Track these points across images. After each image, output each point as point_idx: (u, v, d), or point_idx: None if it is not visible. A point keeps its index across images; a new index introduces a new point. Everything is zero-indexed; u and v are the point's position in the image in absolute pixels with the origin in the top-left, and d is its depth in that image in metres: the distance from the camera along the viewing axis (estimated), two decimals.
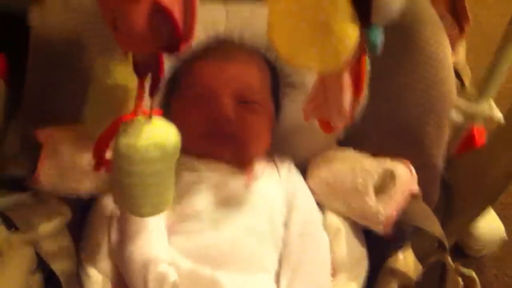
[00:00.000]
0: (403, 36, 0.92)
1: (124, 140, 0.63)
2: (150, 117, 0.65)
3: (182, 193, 0.84)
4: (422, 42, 0.91)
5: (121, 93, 0.74)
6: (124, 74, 0.73)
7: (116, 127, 0.67)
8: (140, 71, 0.66)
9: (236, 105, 0.88)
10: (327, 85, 0.72)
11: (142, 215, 0.70)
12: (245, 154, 0.90)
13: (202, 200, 0.83)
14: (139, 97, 0.67)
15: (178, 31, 0.57)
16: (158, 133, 0.64)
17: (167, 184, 0.69)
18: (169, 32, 0.58)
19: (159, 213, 0.70)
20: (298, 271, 0.82)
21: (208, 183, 0.85)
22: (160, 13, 0.57)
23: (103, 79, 0.74)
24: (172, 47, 0.59)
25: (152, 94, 0.64)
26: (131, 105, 0.69)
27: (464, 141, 1.00)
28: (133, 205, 0.68)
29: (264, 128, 0.92)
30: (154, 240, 0.79)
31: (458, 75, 1.21)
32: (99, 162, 0.72)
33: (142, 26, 0.57)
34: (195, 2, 0.60)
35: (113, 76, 0.74)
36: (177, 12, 0.58)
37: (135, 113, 0.66)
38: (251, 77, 0.92)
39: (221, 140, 0.87)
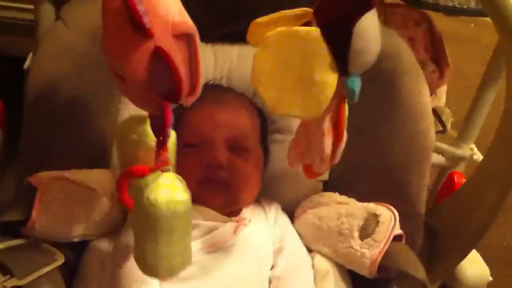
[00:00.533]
0: (386, 88, 0.95)
1: (141, 192, 0.63)
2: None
3: None
4: (404, 95, 0.95)
5: (146, 148, 0.75)
6: (149, 132, 0.73)
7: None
8: (155, 128, 0.67)
9: (228, 151, 0.90)
10: (309, 131, 0.75)
11: (156, 276, 0.68)
12: (236, 200, 0.91)
13: (192, 247, 0.84)
14: (158, 154, 0.66)
15: (179, 76, 0.59)
16: (176, 191, 0.64)
17: (182, 243, 0.67)
18: (171, 79, 0.59)
19: (174, 274, 0.67)
20: None
21: (197, 230, 0.85)
22: (161, 61, 0.59)
23: (129, 134, 0.76)
24: (175, 95, 0.60)
25: (162, 147, 0.65)
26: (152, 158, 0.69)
27: (443, 186, 1.02)
28: (148, 265, 0.66)
29: (255, 174, 0.94)
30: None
31: (439, 118, 1.25)
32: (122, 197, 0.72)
33: (143, 75, 0.59)
34: (198, 53, 0.63)
35: (138, 131, 0.75)
36: (179, 61, 0.60)
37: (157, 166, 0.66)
38: (242, 124, 0.94)
39: (214, 187, 0.88)
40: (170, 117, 0.62)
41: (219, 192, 0.89)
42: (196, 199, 0.85)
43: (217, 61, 1.05)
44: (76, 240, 0.86)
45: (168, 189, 0.63)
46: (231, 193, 0.90)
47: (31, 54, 1.01)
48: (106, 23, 0.63)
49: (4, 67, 1.30)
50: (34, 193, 0.81)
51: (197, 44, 0.63)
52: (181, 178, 0.66)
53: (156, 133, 0.67)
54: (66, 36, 0.93)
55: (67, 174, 0.84)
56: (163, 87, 0.61)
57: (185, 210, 0.64)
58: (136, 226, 0.66)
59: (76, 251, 0.87)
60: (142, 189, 0.63)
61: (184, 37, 0.62)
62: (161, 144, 0.64)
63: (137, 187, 0.65)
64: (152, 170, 0.65)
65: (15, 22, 1.77)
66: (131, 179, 0.69)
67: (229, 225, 0.87)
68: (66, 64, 0.91)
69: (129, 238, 0.80)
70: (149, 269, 0.66)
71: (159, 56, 0.59)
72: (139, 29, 0.58)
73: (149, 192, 0.62)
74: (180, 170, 0.86)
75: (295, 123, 0.83)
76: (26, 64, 1.14)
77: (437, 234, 0.96)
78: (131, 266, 0.78)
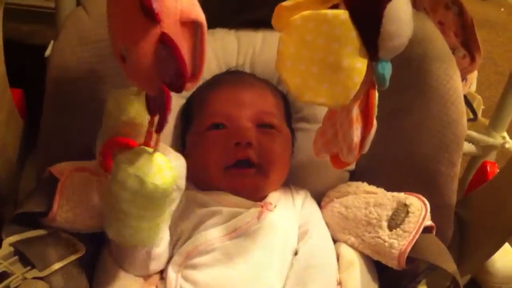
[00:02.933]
0: (416, 75, 0.93)
1: (119, 160, 0.65)
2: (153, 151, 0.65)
3: (195, 228, 0.84)
4: (435, 81, 0.92)
5: (134, 129, 0.75)
6: (138, 111, 0.74)
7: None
8: (151, 108, 0.67)
9: (256, 129, 0.88)
10: (336, 120, 0.72)
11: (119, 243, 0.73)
12: (267, 183, 0.90)
13: (215, 234, 0.83)
14: (149, 133, 0.68)
15: (183, 67, 0.58)
16: (150, 170, 0.64)
17: (149, 223, 0.69)
18: (175, 69, 0.58)
19: (133, 244, 0.73)
20: None
21: (219, 216, 0.84)
22: (167, 49, 0.58)
23: (118, 115, 0.75)
24: (177, 84, 0.60)
25: (158, 131, 0.64)
26: (136, 136, 0.71)
27: (475, 175, 1.00)
28: (113, 229, 0.71)
29: (284, 154, 0.93)
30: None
31: (470, 105, 1.22)
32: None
33: (148, 60, 0.59)
34: (205, 42, 0.61)
35: (127, 112, 0.74)
36: (185, 49, 0.59)
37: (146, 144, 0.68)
38: (267, 101, 0.93)
39: (244, 171, 0.87)
40: (171, 103, 0.62)
41: (249, 177, 0.87)
42: (225, 186, 0.86)
43: (241, 47, 1.03)
44: (97, 231, 0.84)
45: (167, 171, 0.65)
46: (261, 175, 0.88)
47: (52, 42, 1.01)
48: (114, 2, 0.61)
49: (26, 56, 1.30)
50: (55, 184, 0.80)
51: (205, 33, 0.61)
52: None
53: (151, 113, 0.67)
54: (86, 24, 0.92)
55: (88, 165, 0.83)
56: (166, 73, 0.60)
57: (170, 192, 0.66)
58: (110, 196, 0.68)
59: (97, 242, 0.86)
60: (127, 164, 0.64)
61: (191, 25, 0.61)
62: (159, 127, 0.63)
63: (123, 160, 0.66)
64: (136, 144, 0.67)
65: (37, 10, 1.78)
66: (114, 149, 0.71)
67: (253, 211, 0.85)
68: (86, 53, 0.91)
69: None
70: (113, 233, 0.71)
71: (165, 43, 0.58)
72: (147, 13, 0.56)
73: (145, 171, 0.64)
74: (206, 155, 0.85)
75: (321, 112, 0.82)
76: (47, 52, 1.14)
77: (468, 226, 0.95)
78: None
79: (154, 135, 0.66)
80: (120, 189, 0.65)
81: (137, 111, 0.74)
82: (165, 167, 0.65)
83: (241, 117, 0.88)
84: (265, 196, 0.90)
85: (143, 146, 0.67)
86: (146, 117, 0.70)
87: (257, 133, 0.88)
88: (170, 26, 0.58)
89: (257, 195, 0.89)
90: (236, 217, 0.84)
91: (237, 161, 0.86)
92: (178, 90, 0.60)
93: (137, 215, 0.67)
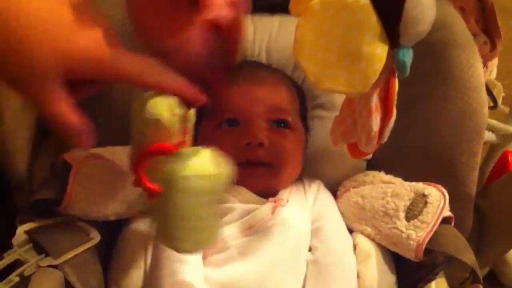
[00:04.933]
0: (437, 61, 0.91)
1: (172, 169, 0.61)
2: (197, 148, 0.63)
3: None
4: (456, 69, 0.90)
5: (157, 127, 0.73)
6: (159, 107, 0.71)
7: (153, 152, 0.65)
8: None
9: (269, 129, 0.87)
10: (355, 108, 0.71)
11: (181, 250, 0.66)
12: (278, 182, 0.89)
13: (228, 231, 0.82)
14: (184, 129, 0.65)
15: (237, 49, 0.59)
16: (209, 165, 0.62)
17: (211, 219, 0.66)
18: (227, 53, 0.59)
19: (199, 249, 0.70)
20: None
21: (234, 213, 0.84)
22: (217, 34, 0.58)
23: (141, 112, 0.73)
24: (229, 66, 0.60)
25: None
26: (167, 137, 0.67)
27: (496, 165, 0.98)
28: (174, 239, 0.64)
29: (297, 153, 0.91)
30: (190, 269, 0.78)
31: (490, 93, 1.20)
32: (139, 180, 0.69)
33: (201, 49, 0.59)
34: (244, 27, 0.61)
35: (147, 109, 0.73)
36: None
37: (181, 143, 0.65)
38: (281, 98, 0.91)
39: (255, 171, 0.86)
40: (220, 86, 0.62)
41: (260, 176, 0.86)
42: (236, 182, 0.84)
43: (256, 33, 1.01)
44: (112, 218, 0.84)
45: (219, 158, 0.63)
46: (273, 174, 0.87)
47: None
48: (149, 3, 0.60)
49: None
50: (68, 171, 0.80)
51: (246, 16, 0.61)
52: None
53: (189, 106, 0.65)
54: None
55: (101, 151, 0.82)
56: (214, 61, 0.60)
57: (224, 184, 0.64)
58: (166, 204, 0.63)
59: (113, 230, 0.86)
60: (180, 164, 0.61)
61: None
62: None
63: (175, 168, 0.62)
64: (177, 147, 0.62)
65: None
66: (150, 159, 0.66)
67: (267, 206, 0.85)
68: None
69: None
70: (174, 244, 0.65)
71: (216, 29, 0.58)
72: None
73: (204, 167, 0.61)
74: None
75: (339, 99, 0.81)
76: None
77: (488, 217, 0.93)
78: None
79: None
80: (185, 195, 0.61)
81: (159, 108, 0.72)
82: (216, 156, 0.64)
83: (254, 114, 0.87)
84: (277, 193, 0.89)
85: (185, 147, 0.65)
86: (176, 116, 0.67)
87: (269, 131, 0.87)
88: (220, 9, 0.58)
89: (268, 193, 0.88)
90: (251, 213, 0.84)
91: (246, 161, 0.85)
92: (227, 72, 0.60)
93: (207, 213, 0.65)
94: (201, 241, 0.65)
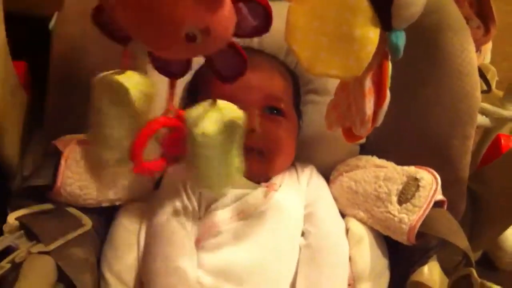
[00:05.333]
0: (429, 46, 0.90)
1: (198, 130, 0.67)
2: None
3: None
4: (449, 53, 0.89)
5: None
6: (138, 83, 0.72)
7: (151, 130, 0.69)
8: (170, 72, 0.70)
9: (262, 115, 0.87)
10: (349, 92, 0.71)
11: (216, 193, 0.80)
12: (271, 168, 0.89)
13: (221, 215, 0.82)
14: (171, 97, 0.70)
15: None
16: (226, 112, 0.70)
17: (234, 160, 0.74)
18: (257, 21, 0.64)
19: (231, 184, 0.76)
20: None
21: (226, 198, 0.83)
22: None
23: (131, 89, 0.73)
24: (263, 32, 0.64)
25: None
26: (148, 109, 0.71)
27: (489, 149, 0.98)
28: (215, 185, 0.74)
29: (290, 140, 0.91)
30: (183, 254, 0.78)
31: (484, 77, 1.19)
32: (138, 165, 0.71)
33: (232, 24, 0.61)
34: None
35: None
36: None
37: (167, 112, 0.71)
38: (275, 85, 0.91)
39: (247, 157, 0.85)
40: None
41: (253, 162, 0.84)
42: None
43: None
44: (104, 205, 0.84)
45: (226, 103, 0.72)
46: (265, 161, 0.87)
47: (56, 13, 0.98)
48: None
49: (30, 28, 1.28)
50: (59, 157, 0.79)
51: None
52: None
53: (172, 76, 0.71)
54: None
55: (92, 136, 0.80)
56: (245, 29, 0.63)
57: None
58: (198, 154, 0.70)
59: (105, 217, 0.86)
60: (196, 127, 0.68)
61: None
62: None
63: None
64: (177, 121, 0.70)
65: None
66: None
67: (259, 191, 0.85)
68: (91, 25, 0.88)
69: (164, 206, 0.82)
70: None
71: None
72: None
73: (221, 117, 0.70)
74: None
75: (333, 84, 0.80)
76: (51, 24, 1.11)
77: (481, 201, 0.94)
78: (167, 231, 0.79)
79: None
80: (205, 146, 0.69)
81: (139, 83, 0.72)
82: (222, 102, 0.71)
83: (247, 101, 0.85)
84: (269, 178, 0.89)
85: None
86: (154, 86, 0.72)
87: (262, 118, 0.86)
88: None
89: (260, 179, 0.88)
90: (243, 198, 0.84)
91: None
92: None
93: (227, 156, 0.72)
94: (228, 180, 0.74)
